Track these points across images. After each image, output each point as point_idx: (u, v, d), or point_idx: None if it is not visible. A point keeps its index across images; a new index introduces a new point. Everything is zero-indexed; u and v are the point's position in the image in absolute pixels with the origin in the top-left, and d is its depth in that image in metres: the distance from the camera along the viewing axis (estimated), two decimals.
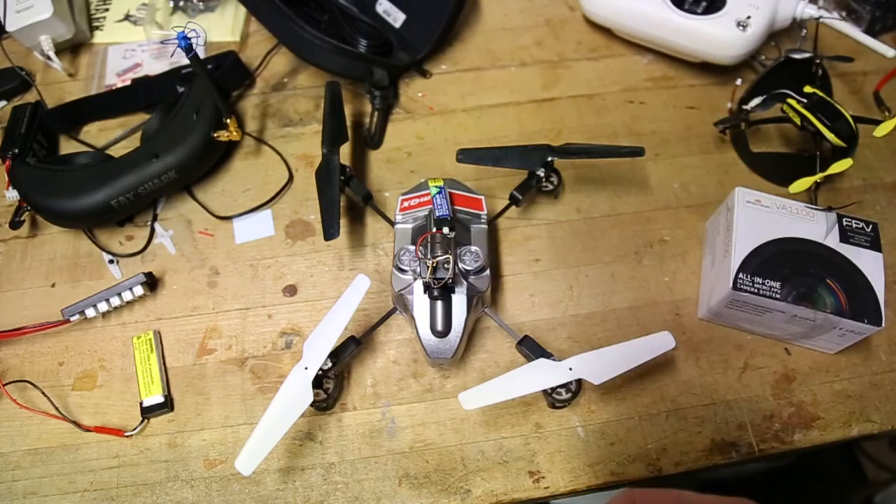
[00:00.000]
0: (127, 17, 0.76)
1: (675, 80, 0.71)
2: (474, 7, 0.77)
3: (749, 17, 0.63)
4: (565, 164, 0.64)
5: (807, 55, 0.63)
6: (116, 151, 0.64)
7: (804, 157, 0.62)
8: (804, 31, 0.68)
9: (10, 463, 0.52)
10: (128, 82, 0.70)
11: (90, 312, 0.56)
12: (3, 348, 0.57)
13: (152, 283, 0.59)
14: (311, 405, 0.48)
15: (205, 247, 0.62)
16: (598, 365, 0.50)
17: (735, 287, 0.51)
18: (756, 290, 0.51)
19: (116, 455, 0.53)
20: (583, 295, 0.59)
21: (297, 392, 0.48)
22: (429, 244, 0.51)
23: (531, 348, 0.53)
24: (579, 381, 0.50)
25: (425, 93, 0.71)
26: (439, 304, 0.50)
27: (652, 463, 0.52)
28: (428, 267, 0.49)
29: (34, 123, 0.64)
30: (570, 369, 0.49)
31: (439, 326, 0.50)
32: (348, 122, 0.66)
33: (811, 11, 0.64)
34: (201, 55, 0.64)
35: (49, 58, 0.70)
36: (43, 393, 0.54)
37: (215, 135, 0.61)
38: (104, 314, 0.57)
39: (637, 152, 0.59)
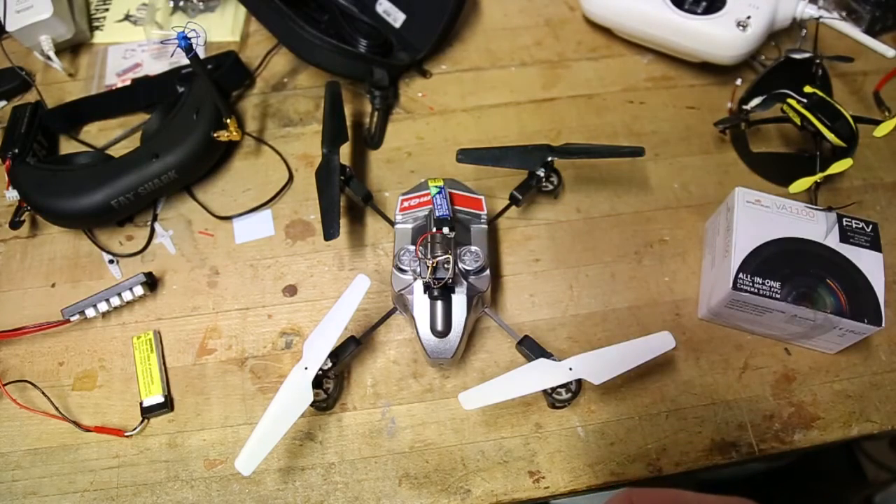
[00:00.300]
0: (127, 17, 0.76)
1: (675, 80, 0.71)
2: (474, 7, 0.77)
3: (749, 17, 0.63)
4: (565, 164, 0.64)
5: (807, 55, 0.63)
6: (116, 151, 0.64)
7: (804, 157, 0.62)
8: (804, 31, 0.68)
9: (10, 463, 0.52)
10: (128, 82, 0.70)
11: (90, 312, 0.56)
12: (3, 348, 0.57)
13: (152, 283, 0.59)
14: (311, 405, 0.48)
15: (205, 247, 0.62)
16: (598, 365, 0.50)
17: (735, 287, 0.51)
18: (756, 290, 0.51)
19: (116, 455, 0.53)
20: (583, 295, 0.59)
21: (297, 392, 0.48)
22: (429, 244, 0.51)
23: (531, 348, 0.53)
24: (579, 381, 0.50)
25: (425, 93, 0.71)
26: (439, 304, 0.50)
27: (652, 463, 0.52)
28: (428, 267, 0.49)
29: (34, 123, 0.65)
30: (570, 369, 0.49)
31: (439, 326, 0.50)
32: (348, 122, 0.66)
33: (811, 11, 0.64)
34: (201, 55, 0.64)
35: (49, 58, 0.70)
36: (43, 393, 0.54)
37: (215, 135, 0.61)
38: (104, 314, 0.57)
39: (637, 152, 0.59)
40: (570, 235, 0.62)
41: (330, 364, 0.51)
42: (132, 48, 0.74)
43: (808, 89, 0.60)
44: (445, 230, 0.51)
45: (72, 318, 0.56)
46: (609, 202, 0.64)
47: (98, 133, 0.68)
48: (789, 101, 0.60)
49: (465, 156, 0.59)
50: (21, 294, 0.60)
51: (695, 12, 0.65)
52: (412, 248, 0.53)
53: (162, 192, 0.62)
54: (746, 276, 0.51)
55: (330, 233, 0.55)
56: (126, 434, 0.53)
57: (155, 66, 0.72)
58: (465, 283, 0.52)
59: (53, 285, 0.60)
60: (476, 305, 0.53)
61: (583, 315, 0.58)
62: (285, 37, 0.67)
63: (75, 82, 0.72)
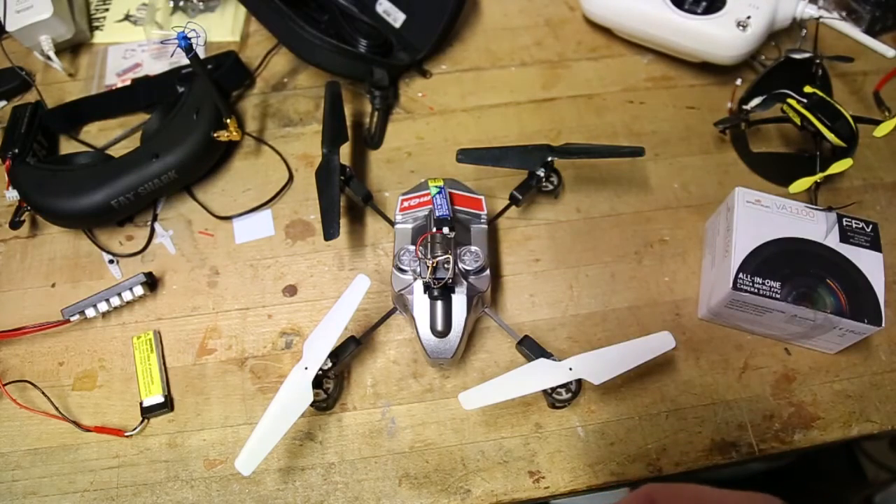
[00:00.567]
0: (127, 17, 0.76)
1: (675, 80, 0.71)
2: (474, 7, 0.77)
3: (749, 17, 0.63)
4: (565, 164, 0.64)
5: (807, 55, 0.63)
6: (116, 151, 0.64)
7: (804, 157, 0.62)
8: (804, 31, 0.68)
9: (10, 463, 0.52)
10: (128, 82, 0.70)
11: (90, 312, 0.56)
12: (3, 348, 0.57)
13: (152, 283, 0.59)
14: (311, 405, 0.48)
15: (205, 247, 0.62)
16: (598, 365, 0.50)
17: (735, 287, 0.51)
18: (756, 290, 0.51)
19: (116, 455, 0.53)
20: (583, 295, 0.59)
21: (297, 392, 0.48)
22: (429, 244, 0.51)
23: (531, 348, 0.53)
24: (579, 381, 0.50)
25: (425, 93, 0.71)
26: (439, 304, 0.50)
27: (652, 463, 0.52)
28: (428, 267, 0.49)
29: (34, 123, 0.65)
30: (570, 369, 0.49)
31: (439, 326, 0.50)
32: (348, 122, 0.66)
33: (811, 11, 0.64)
34: (201, 55, 0.64)
35: (49, 58, 0.70)
36: (43, 393, 0.54)
37: (215, 135, 0.61)
38: (104, 314, 0.57)
39: (637, 152, 0.59)
40: (570, 235, 0.62)
41: (330, 364, 0.51)
42: (132, 48, 0.74)
43: (808, 89, 0.60)
44: (445, 230, 0.51)
45: (72, 318, 0.56)
46: (609, 202, 0.64)
47: (98, 133, 0.68)
48: (789, 101, 0.60)
49: (465, 156, 0.59)
50: (21, 294, 0.60)
51: (695, 12, 0.65)
52: (412, 248, 0.53)
53: (162, 192, 0.61)
54: (746, 276, 0.51)
55: (330, 233, 0.55)
56: (126, 434, 0.53)
57: (155, 66, 0.72)
58: (465, 283, 0.52)
59: (53, 285, 0.60)
60: (476, 305, 0.53)
61: (583, 315, 0.58)
62: (285, 37, 0.67)
63: (75, 82, 0.72)
